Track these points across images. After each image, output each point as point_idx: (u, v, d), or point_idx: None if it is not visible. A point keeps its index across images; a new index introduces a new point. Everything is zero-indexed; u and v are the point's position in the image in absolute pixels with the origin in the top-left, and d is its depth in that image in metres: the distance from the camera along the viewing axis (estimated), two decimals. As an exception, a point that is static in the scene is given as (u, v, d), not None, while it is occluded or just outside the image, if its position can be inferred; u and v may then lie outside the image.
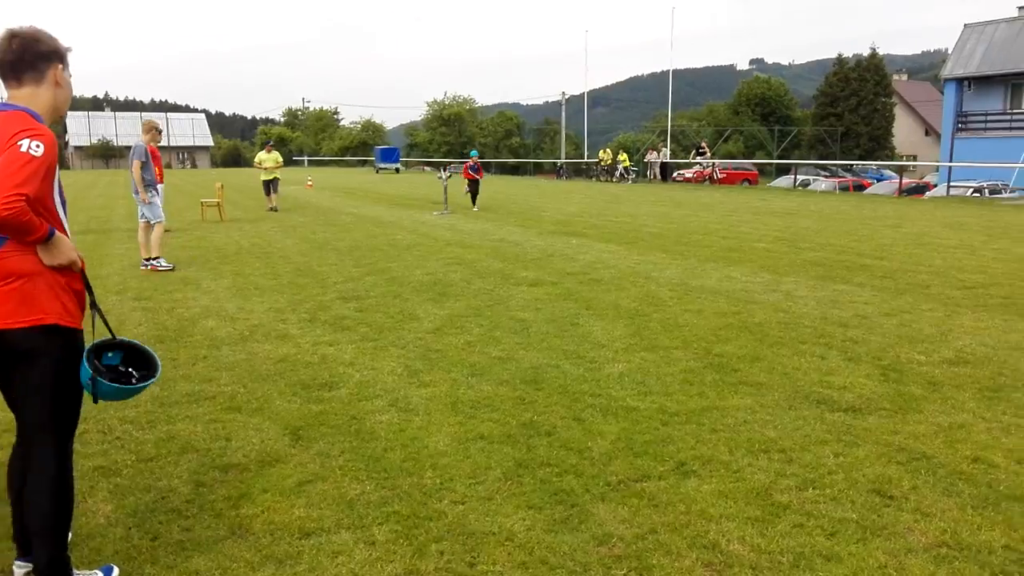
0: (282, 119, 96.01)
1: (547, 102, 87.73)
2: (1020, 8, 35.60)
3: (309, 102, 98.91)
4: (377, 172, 53.83)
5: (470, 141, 73.54)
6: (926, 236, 13.50)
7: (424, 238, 13.49)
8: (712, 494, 3.50)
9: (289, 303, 7.91)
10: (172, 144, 79.34)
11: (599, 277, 9.23)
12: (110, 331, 2.96)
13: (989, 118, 34.50)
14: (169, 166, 70.69)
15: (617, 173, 37.61)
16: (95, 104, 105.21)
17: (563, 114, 58.23)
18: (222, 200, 17.89)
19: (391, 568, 2.94)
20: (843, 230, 14.51)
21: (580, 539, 3.13)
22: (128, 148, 13.98)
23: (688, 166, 38.97)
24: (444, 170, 21.34)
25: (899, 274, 9.32)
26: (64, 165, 73.72)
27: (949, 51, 38.02)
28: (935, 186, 31.79)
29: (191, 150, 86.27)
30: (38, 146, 2.46)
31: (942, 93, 40.10)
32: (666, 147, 40.48)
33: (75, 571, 2.77)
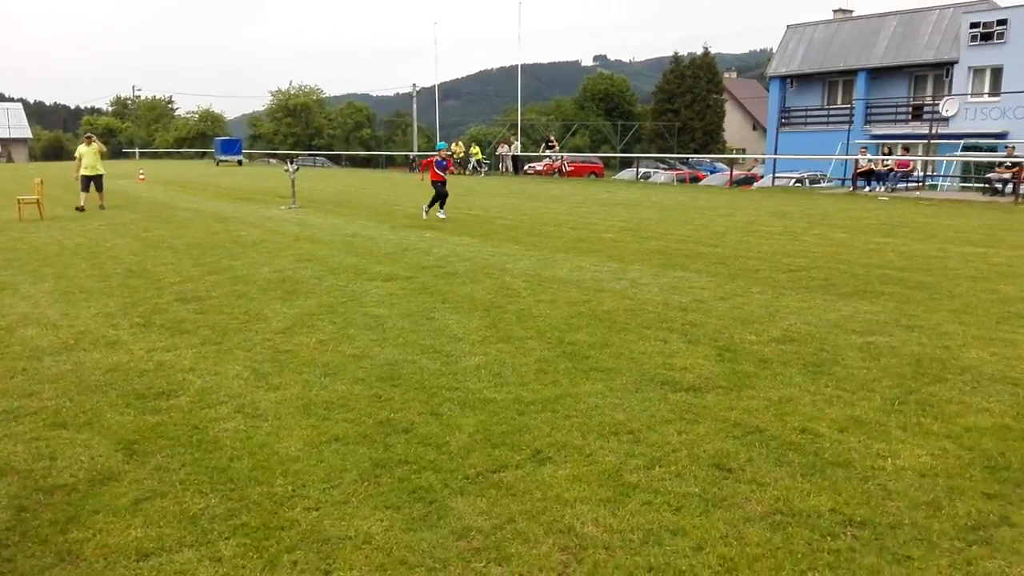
0: (110, 108, 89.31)
1: (398, 94, 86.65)
2: (835, 11, 38.91)
3: (140, 91, 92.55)
4: (218, 165, 51.24)
5: (318, 132, 71.46)
6: (755, 224, 14.50)
7: (271, 234, 12.97)
8: (567, 479, 3.58)
9: (120, 307, 7.36)
10: (-18, 136, 71.83)
11: (454, 270, 9.23)
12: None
13: (809, 113, 37.54)
14: (-22, 160, 63.95)
15: (469, 166, 37.81)
16: None
17: (414, 106, 57.80)
18: (42, 197, 16.38)
19: (240, 583, 2.80)
20: (681, 220, 15.31)
21: (439, 535, 3.11)
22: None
23: (538, 159, 39.79)
24: (291, 163, 20.60)
25: (731, 260, 9.95)
26: None
27: (774, 51, 41.01)
28: (762, 177, 34.25)
29: (6, 142, 78.46)
30: None
31: (768, 90, 43.23)
32: (517, 140, 41.12)
33: None
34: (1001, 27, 29.87)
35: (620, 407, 4.52)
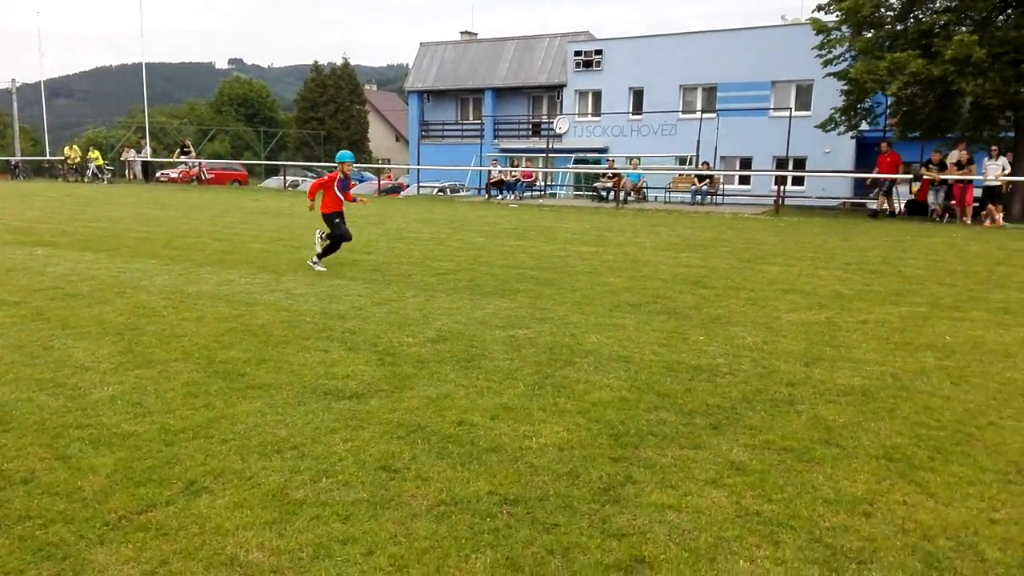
0: None
1: (-11, 89, 73.49)
2: (461, 33, 41.87)
3: None
4: None
5: None
6: (405, 231, 15.03)
7: None
8: (227, 507, 3.36)
9: None
10: None
11: (76, 291, 8.12)
12: None
13: (446, 127, 39.94)
14: None
15: (89, 172, 33.59)
16: None
17: (15, 104, 49.62)
18: None
19: None
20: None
21: (76, 594, 2.71)
22: None
23: (173, 165, 36.76)
24: None
25: (385, 266, 10.19)
26: None
27: (410, 66, 42.84)
28: (408, 186, 35.64)
29: None
30: None
31: (407, 103, 45.04)
32: (147, 145, 37.50)
33: None
34: (598, 56, 34.76)
35: (282, 423, 4.36)
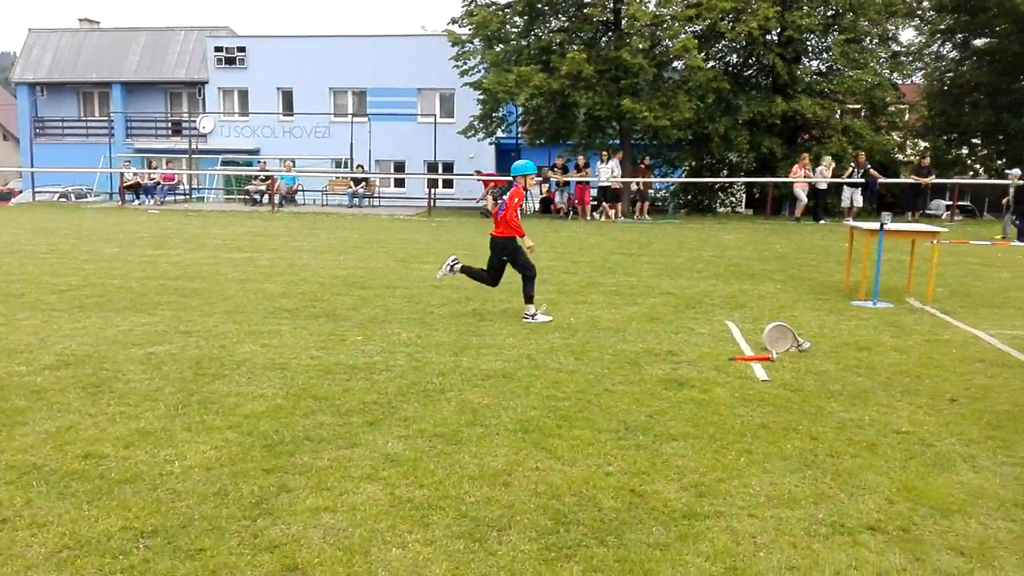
0: None
1: None
2: (80, 20, 37.09)
3: None
4: None
5: None
6: (17, 244, 12.95)
7: None
8: None
9: None
10: None
11: None
12: None
13: (66, 124, 35.09)
14: None
15: None
16: None
17: None
18: None
19: None
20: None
21: None
22: None
23: None
24: None
25: (-10, 286, 8.69)
26: None
27: (17, 54, 36.88)
28: (21, 192, 30.72)
29: None
30: None
31: (15, 96, 38.75)
32: None
33: None
34: (241, 53, 33.20)
35: None
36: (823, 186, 20.44)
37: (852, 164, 20.52)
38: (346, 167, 29.08)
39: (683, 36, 20.71)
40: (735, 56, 24.67)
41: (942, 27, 25.42)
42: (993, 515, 3.39)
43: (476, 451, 4.06)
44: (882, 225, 8.32)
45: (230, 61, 33.23)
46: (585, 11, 21.90)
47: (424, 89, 32.01)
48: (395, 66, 31.26)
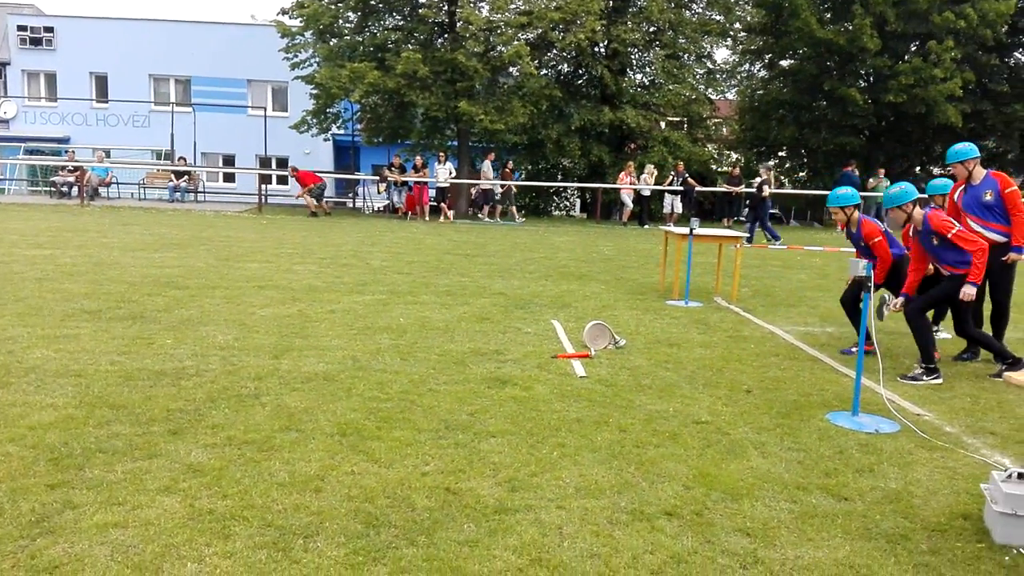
0: None
1: None
2: None
3: None
4: None
5: None
6: None
7: None
8: None
9: None
10: None
11: None
12: None
13: None
14: None
15: None
16: None
17: None
18: None
19: None
20: None
21: None
22: None
23: None
24: None
25: None
26: None
27: None
28: None
29: None
30: None
31: None
32: None
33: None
34: (49, 34, 30.35)
35: None
36: (647, 192, 21.62)
37: (672, 173, 21.85)
38: (167, 159, 27.30)
39: (516, 43, 21.19)
40: (566, 65, 25.57)
41: (752, 48, 27.63)
42: (777, 497, 3.70)
43: (288, 457, 3.92)
44: (691, 230, 8.91)
45: (36, 42, 30.32)
46: (420, 11, 21.90)
47: (255, 80, 30.71)
48: (223, 55, 29.76)
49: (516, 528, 3.26)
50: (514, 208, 22.07)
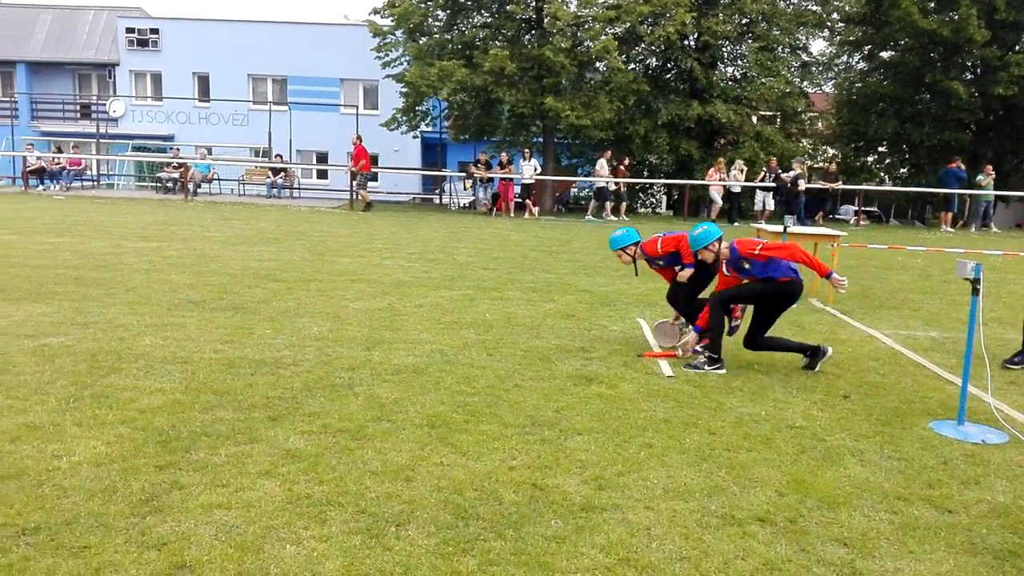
0: None
1: None
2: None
3: None
4: None
5: None
6: (-100, 228, 12.13)
7: None
8: None
9: None
10: None
11: None
12: None
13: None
14: None
15: None
16: None
17: None
18: None
19: None
20: None
21: None
22: None
23: None
24: None
25: None
26: None
27: (-97, 24, 34.38)
28: (-91, 173, 28.72)
29: None
30: None
31: (-98, 70, 36.18)
32: None
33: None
34: (154, 35, 31.93)
35: None
36: (737, 189, 21.10)
37: (764, 169, 21.25)
38: (265, 156, 28.35)
39: (604, 37, 21.01)
40: (654, 59, 25.19)
41: (851, 39, 26.55)
42: (877, 507, 3.56)
43: (380, 446, 4.02)
44: (785, 228, 8.65)
45: (142, 43, 31.92)
46: (508, 8, 21.97)
47: (347, 79, 31.49)
48: (318, 55, 30.65)
49: (603, 527, 3.25)
50: (623, 206, 21.80)
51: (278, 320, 6.85)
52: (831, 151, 28.05)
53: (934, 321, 8.04)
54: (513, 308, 7.88)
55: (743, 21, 24.08)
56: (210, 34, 31.57)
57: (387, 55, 22.90)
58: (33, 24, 32.87)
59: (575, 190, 28.39)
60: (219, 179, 25.91)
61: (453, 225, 17.42)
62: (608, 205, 21.16)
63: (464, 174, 22.93)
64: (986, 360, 5.58)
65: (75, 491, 3.36)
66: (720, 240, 5.95)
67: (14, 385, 4.72)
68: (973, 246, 15.63)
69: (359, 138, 21.26)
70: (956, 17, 21.90)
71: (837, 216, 24.46)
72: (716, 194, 21.15)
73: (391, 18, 22.36)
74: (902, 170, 27.54)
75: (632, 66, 23.81)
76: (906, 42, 23.96)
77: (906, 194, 25.33)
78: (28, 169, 23.71)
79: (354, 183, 21.63)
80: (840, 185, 22.01)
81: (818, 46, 44.15)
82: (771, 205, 20.86)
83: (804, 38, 25.71)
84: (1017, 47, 22.76)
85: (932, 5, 23.43)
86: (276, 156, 26.71)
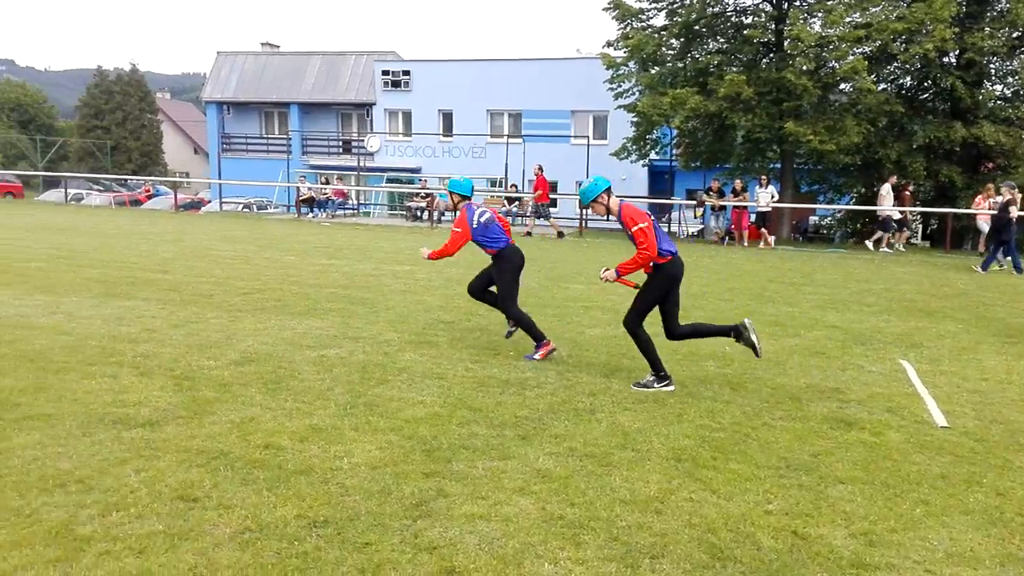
0: None
1: None
2: (262, 44, 40.39)
3: None
4: None
5: None
6: (205, 249, 14.21)
7: None
8: (5, 546, 3.02)
9: None
10: None
11: None
12: None
13: (249, 141, 38.24)
14: None
15: None
16: None
17: None
18: None
19: None
20: (123, 246, 14.16)
21: None
22: None
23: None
24: None
25: (183, 286, 9.59)
26: None
27: (207, 75, 40.67)
28: (209, 202, 33.74)
29: None
30: None
31: (205, 114, 42.70)
32: None
33: None
34: (406, 76, 34.92)
35: (65, 455, 3.98)
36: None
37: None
38: (501, 187, 29.78)
39: (852, 57, 19.72)
40: (909, 79, 23.18)
41: None
42: None
43: (627, 475, 4.03)
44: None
45: (396, 84, 35.02)
46: (745, 33, 21.37)
47: (578, 111, 32.33)
48: (550, 88, 31.80)
49: (877, 585, 3.00)
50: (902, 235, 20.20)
51: (520, 343, 7.12)
52: None
53: None
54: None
55: (1014, 34, 21.48)
56: (454, 74, 33.95)
57: (619, 86, 23.18)
58: (304, 69, 37.31)
59: (815, 218, 26.81)
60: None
61: (683, 254, 17.11)
62: (898, 235, 19.62)
63: (693, 201, 22.51)
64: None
65: (355, 490, 3.71)
66: (609, 192, 6.01)
67: (301, 391, 5.32)
68: None
69: (540, 168, 21.70)
70: None
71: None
72: (984, 224, 18.93)
73: (624, 50, 22.63)
74: None
75: (883, 86, 22.10)
76: None
77: None
78: (300, 198, 26.82)
79: (530, 211, 22.04)
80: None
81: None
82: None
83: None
84: None
85: None
86: (511, 186, 27.95)
